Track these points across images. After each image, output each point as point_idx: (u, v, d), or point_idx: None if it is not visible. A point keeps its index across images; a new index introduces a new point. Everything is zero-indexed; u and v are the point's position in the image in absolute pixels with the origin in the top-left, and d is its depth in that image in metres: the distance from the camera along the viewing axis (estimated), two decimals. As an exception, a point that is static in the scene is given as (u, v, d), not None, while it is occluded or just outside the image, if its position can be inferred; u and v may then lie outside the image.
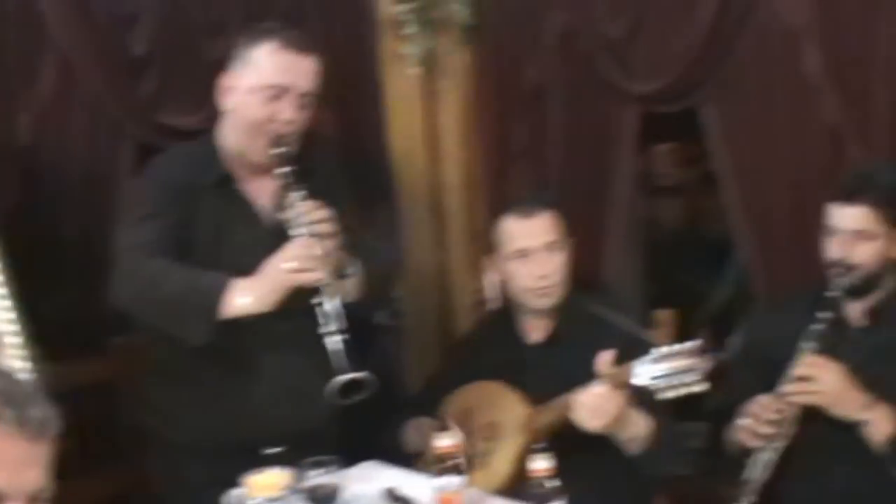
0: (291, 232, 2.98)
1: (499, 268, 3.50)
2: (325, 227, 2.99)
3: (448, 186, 4.30)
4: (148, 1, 3.82)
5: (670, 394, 2.86)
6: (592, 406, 3.00)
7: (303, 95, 3.12)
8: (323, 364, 2.92)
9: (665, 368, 2.86)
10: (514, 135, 4.12)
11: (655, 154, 6.62)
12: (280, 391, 3.17)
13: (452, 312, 4.38)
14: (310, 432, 3.12)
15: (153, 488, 3.35)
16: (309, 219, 2.97)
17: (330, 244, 2.99)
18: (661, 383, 2.85)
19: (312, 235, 2.95)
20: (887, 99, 3.40)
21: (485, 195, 4.27)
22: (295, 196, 3.00)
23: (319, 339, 2.93)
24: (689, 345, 2.86)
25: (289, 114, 3.08)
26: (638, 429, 3.12)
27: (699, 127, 3.79)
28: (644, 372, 2.89)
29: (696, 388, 2.82)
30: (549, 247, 3.38)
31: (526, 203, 3.46)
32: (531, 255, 3.37)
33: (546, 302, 3.40)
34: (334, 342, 2.90)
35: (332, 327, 2.91)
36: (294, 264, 2.91)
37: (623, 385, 2.98)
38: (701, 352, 2.80)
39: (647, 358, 2.91)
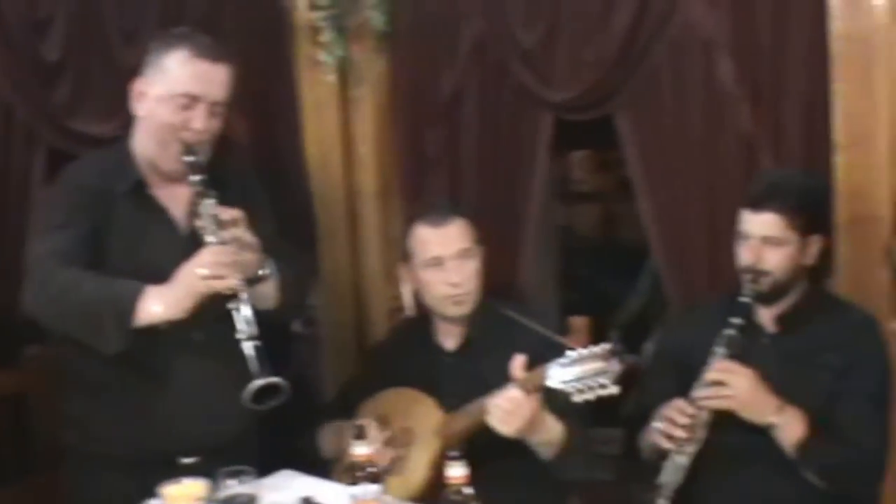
0: (205, 239, 2.95)
1: (413, 276, 3.51)
2: (238, 234, 2.97)
3: (363, 194, 4.30)
4: (61, 6, 3.76)
5: (583, 397, 2.87)
6: (506, 410, 3.00)
7: (214, 104, 3.09)
8: (238, 372, 2.89)
9: (577, 372, 2.88)
10: (429, 142, 4.12)
11: (571, 161, 6.68)
12: (195, 400, 3.14)
13: (368, 320, 4.37)
14: (226, 442, 3.10)
15: (68, 501, 3.30)
16: (221, 225, 2.94)
17: (243, 251, 2.97)
18: (574, 386, 2.86)
19: (225, 242, 2.93)
20: (798, 108, 3.45)
21: (400, 203, 4.27)
22: (207, 203, 2.97)
23: (234, 347, 2.90)
24: (600, 348, 2.87)
25: (200, 122, 3.06)
26: (552, 433, 3.13)
27: (616, 134, 3.81)
28: (557, 375, 2.90)
29: (609, 391, 2.83)
30: (462, 254, 3.39)
31: (438, 211, 3.47)
32: (444, 263, 3.38)
33: (460, 310, 3.42)
34: (248, 347, 2.88)
35: (247, 333, 2.89)
36: (207, 271, 2.88)
37: (537, 389, 2.99)
38: (612, 355, 2.81)
39: (560, 361, 2.92)
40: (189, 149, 3.04)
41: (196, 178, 3.01)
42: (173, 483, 2.73)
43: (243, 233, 2.98)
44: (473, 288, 3.41)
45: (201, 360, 3.14)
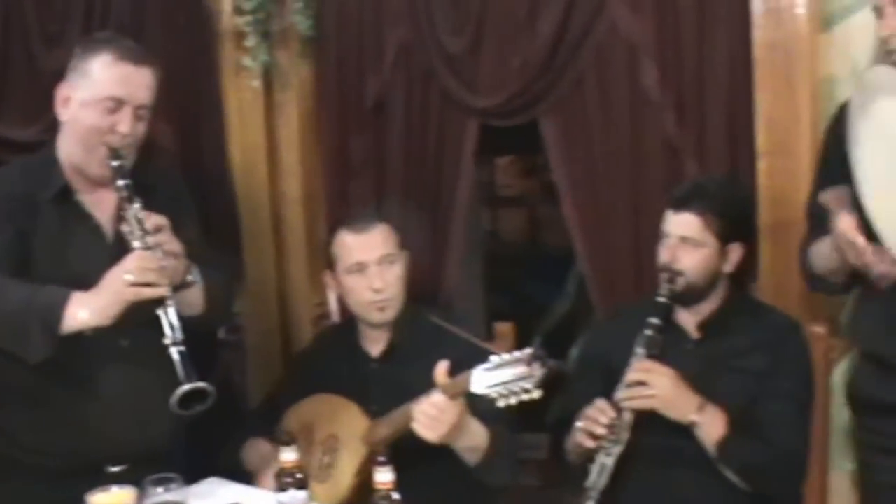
0: (131, 245, 2.92)
1: (337, 282, 3.50)
2: (164, 240, 2.94)
3: (288, 199, 4.27)
4: (-18, 11, 3.72)
5: (506, 401, 2.87)
6: (431, 416, 3.00)
7: (139, 107, 3.07)
8: (166, 379, 2.86)
9: (501, 377, 2.87)
10: (354, 148, 4.11)
11: (497, 166, 6.70)
12: (123, 408, 3.10)
13: (293, 326, 4.34)
14: (154, 449, 3.07)
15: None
16: (146, 231, 2.91)
17: (169, 256, 2.94)
18: (498, 391, 2.86)
19: (151, 247, 2.90)
20: (722, 114, 3.49)
21: (325, 208, 4.25)
22: (133, 208, 2.94)
23: (161, 354, 2.87)
24: (522, 353, 2.88)
25: (126, 126, 3.02)
26: (476, 439, 3.13)
27: (541, 138, 3.83)
28: (480, 380, 2.90)
29: (532, 396, 2.83)
30: (385, 260, 3.40)
31: (361, 217, 3.49)
32: (367, 269, 3.39)
33: (383, 316, 3.42)
34: (175, 353, 2.85)
35: (172, 339, 2.86)
36: (133, 277, 2.85)
37: (461, 394, 2.99)
38: (535, 359, 2.82)
39: (484, 367, 2.91)
40: (115, 153, 3.01)
41: (121, 182, 2.98)
42: (101, 491, 2.70)
43: (169, 238, 2.96)
44: (396, 294, 3.42)
45: (128, 367, 3.10)
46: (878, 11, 2.80)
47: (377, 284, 3.37)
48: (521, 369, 2.83)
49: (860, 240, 2.73)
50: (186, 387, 2.81)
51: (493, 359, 2.90)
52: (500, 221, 6.75)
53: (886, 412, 2.98)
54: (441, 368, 3.03)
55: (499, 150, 6.37)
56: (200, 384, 2.83)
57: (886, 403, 2.97)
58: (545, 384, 2.84)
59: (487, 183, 6.85)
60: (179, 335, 2.87)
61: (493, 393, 2.86)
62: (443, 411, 2.99)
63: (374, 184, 4.13)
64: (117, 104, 3.02)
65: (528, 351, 2.85)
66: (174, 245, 2.98)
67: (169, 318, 2.87)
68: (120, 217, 3.01)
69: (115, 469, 2.77)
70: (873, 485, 3.13)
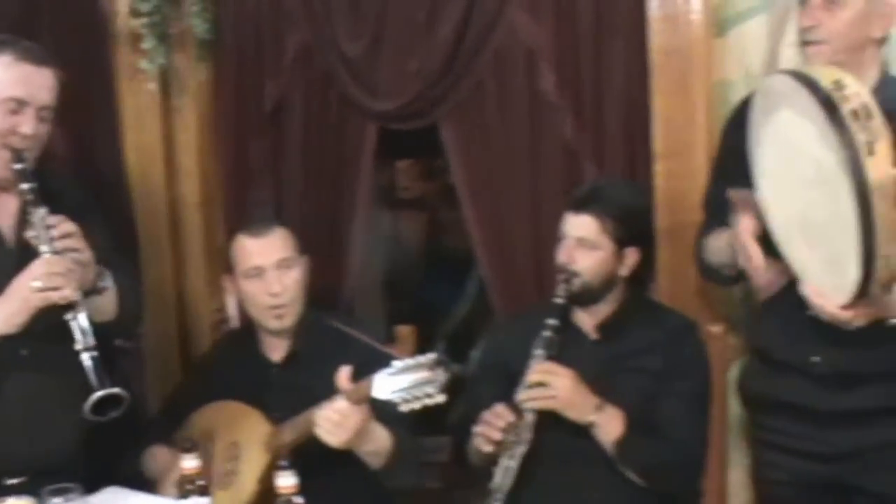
0: (38, 250, 2.87)
1: (236, 286, 3.49)
2: (72, 244, 2.90)
3: (186, 204, 4.22)
4: None
5: (410, 406, 2.87)
6: (334, 422, 3.00)
7: (41, 109, 3.02)
8: (66, 389, 2.85)
9: (404, 381, 2.88)
10: (253, 152, 4.09)
11: (397, 169, 6.69)
12: (21, 419, 3.04)
13: (192, 332, 4.30)
14: (53, 461, 3.02)
15: None
16: (54, 235, 2.87)
17: (77, 261, 2.90)
18: (401, 396, 2.87)
19: (59, 252, 2.86)
20: (619, 118, 3.54)
21: (224, 213, 4.23)
22: (39, 213, 2.89)
23: (62, 363, 2.83)
24: (425, 357, 2.89)
25: (28, 127, 2.98)
26: (380, 444, 3.14)
27: (440, 141, 3.85)
28: (383, 385, 2.91)
29: (435, 400, 2.85)
30: (282, 264, 3.40)
31: (259, 221, 3.49)
32: (264, 273, 3.38)
33: (280, 323, 3.42)
34: (87, 359, 2.81)
35: (83, 344, 2.82)
36: (41, 283, 2.81)
37: (364, 400, 2.99)
38: (437, 364, 2.83)
39: (386, 372, 2.92)
40: (17, 156, 2.96)
41: (26, 186, 2.93)
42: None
43: (77, 242, 2.92)
44: (294, 298, 3.42)
45: (28, 376, 3.04)
46: (804, 4, 2.85)
47: (275, 289, 3.36)
48: (424, 374, 2.84)
49: (753, 249, 2.80)
50: (101, 393, 2.77)
51: (396, 364, 2.91)
52: (400, 225, 6.74)
53: (775, 408, 3.04)
54: (344, 374, 3.03)
55: (399, 154, 6.36)
56: (115, 389, 2.79)
57: (775, 401, 3.03)
58: (448, 388, 2.85)
59: (387, 186, 6.86)
60: (91, 340, 2.83)
61: (396, 398, 2.87)
62: (346, 417, 2.99)
63: (273, 188, 4.11)
64: (19, 105, 2.96)
65: (431, 356, 2.86)
66: (84, 251, 2.94)
67: (79, 323, 2.84)
68: (24, 222, 2.96)
69: (13, 481, 2.76)
70: (766, 481, 3.19)
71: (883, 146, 2.42)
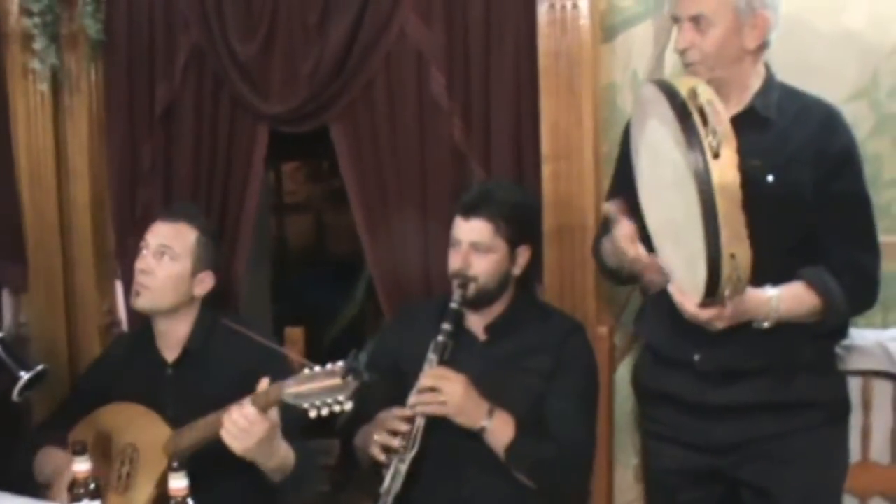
0: None
1: None
2: None
3: (76, 205, 4.18)
4: None
5: (319, 412, 2.85)
6: (240, 427, 2.97)
7: None
8: None
9: (314, 388, 2.86)
10: (143, 153, 4.06)
11: (284, 171, 6.69)
12: None
13: (81, 335, 4.25)
14: None
15: None
16: None
17: None
18: (310, 402, 2.85)
19: None
20: (508, 121, 3.58)
21: (113, 214, 4.19)
22: None
23: None
24: (336, 365, 2.86)
25: None
26: (284, 460, 3.12)
27: (328, 144, 3.86)
28: (294, 391, 2.89)
29: (344, 408, 2.84)
30: (158, 249, 3.41)
31: (179, 207, 3.60)
32: (143, 251, 3.43)
33: (134, 301, 3.44)
34: None
35: None
36: None
37: (272, 405, 2.98)
38: (349, 371, 2.82)
39: (297, 378, 2.90)
40: None
41: None
42: None
43: None
44: (155, 284, 3.40)
45: None
46: (678, 24, 2.91)
47: (139, 265, 3.41)
48: (335, 381, 2.82)
49: (631, 250, 2.89)
50: (28, 375, 2.80)
51: (307, 371, 2.89)
52: (286, 227, 6.74)
53: (662, 401, 3.12)
54: (263, 383, 3.01)
55: (284, 156, 6.37)
56: (39, 367, 2.85)
57: (662, 393, 3.11)
58: (356, 396, 2.85)
59: (274, 189, 6.84)
60: None
61: (304, 404, 2.86)
62: (252, 423, 2.96)
63: (163, 190, 4.09)
64: None
65: (341, 363, 2.85)
66: None
67: None
68: None
69: None
70: (654, 470, 3.27)
71: (728, 151, 2.51)
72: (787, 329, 2.83)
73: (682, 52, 2.91)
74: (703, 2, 2.84)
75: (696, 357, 2.97)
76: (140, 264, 3.40)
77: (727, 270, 2.55)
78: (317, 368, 2.89)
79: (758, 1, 2.83)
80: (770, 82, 2.94)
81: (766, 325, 2.81)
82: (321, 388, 2.85)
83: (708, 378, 2.98)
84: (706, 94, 2.58)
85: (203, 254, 3.45)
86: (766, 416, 2.97)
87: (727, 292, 2.60)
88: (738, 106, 2.89)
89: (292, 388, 2.89)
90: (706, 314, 2.72)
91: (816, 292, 2.82)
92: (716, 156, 2.50)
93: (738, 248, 2.54)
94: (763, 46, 2.90)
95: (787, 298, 2.80)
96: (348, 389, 2.82)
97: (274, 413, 2.99)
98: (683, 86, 2.61)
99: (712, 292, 2.61)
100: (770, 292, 2.78)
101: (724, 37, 2.84)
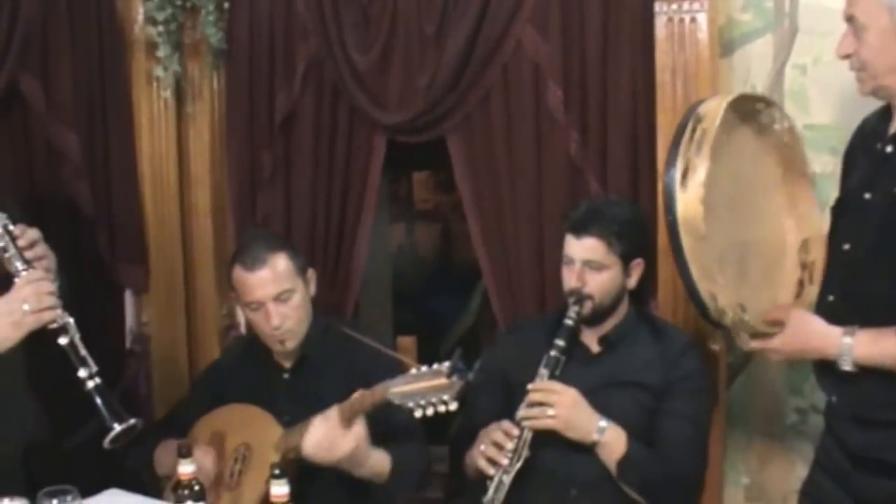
0: (11, 266, 2.75)
1: (241, 307, 3.50)
2: (41, 251, 2.81)
3: (198, 211, 4.26)
4: None
5: (424, 412, 2.86)
6: (323, 446, 3.03)
7: None
8: (13, 404, 2.84)
9: (419, 387, 2.87)
10: (263, 160, 4.11)
11: (413, 180, 6.72)
12: None
13: (200, 338, 4.33)
14: (6, 472, 2.97)
15: None
16: (23, 246, 2.77)
17: (47, 269, 2.80)
18: (416, 401, 2.86)
19: (35, 267, 2.75)
20: (624, 136, 3.55)
21: (233, 220, 4.24)
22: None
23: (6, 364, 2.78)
24: (442, 364, 2.87)
25: None
26: (376, 469, 3.15)
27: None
28: (398, 391, 2.90)
29: (449, 408, 2.84)
30: (280, 297, 3.32)
31: (252, 252, 3.35)
32: (263, 307, 3.32)
33: (283, 348, 3.39)
34: (94, 388, 2.71)
35: (89, 372, 2.71)
36: (31, 305, 2.68)
37: (358, 415, 3.01)
38: (454, 371, 2.82)
39: (403, 377, 2.92)
40: None
41: None
42: None
43: (44, 248, 2.83)
44: (296, 324, 3.36)
45: None
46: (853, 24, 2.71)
47: (275, 322, 3.30)
48: (440, 381, 2.83)
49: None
50: (119, 428, 2.69)
51: (413, 370, 2.91)
52: (415, 235, 6.77)
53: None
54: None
55: (417, 165, 6.39)
56: (132, 421, 2.71)
57: None
58: (462, 396, 2.86)
59: (405, 197, 6.89)
60: (93, 366, 2.71)
61: (410, 403, 2.86)
62: (335, 436, 3.01)
63: (283, 197, 4.13)
64: None
65: (446, 363, 2.85)
66: (50, 256, 2.85)
67: (77, 348, 2.72)
68: None
69: None
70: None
71: (695, 182, 2.46)
72: None
73: (847, 60, 2.75)
74: (855, 3, 2.67)
75: (833, 398, 2.89)
76: (273, 322, 3.30)
77: (714, 311, 2.53)
78: (423, 368, 2.90)
79: None
80: None
81: (846, 367, 2.67)
82: (427, 387, 2.86)
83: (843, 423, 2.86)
84: (710, 115, 2.56)
85: (296, 260, 3.39)
86: None
87: (740, 333, 2.56)
88: None
89: (398, 388, 2.91)
90: (752, 345, 2.66)
91: None
92: (682, 186, 2.45)
93: (708, 285, 2.49)
94: None
95: (865, 340, 2.65)
96: (453, 389, 2.82)
97: (359, 426, 3.02)
98: (705, 105, 2.62)
99: (717, 326, 2.65)
100: (839, 330, 2.67)
101: (881, 41, 2.63)
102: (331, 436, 3.02)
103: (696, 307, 2.69)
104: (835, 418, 2.90)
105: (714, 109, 2.63)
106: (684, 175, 2.52)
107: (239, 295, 3.41)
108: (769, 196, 3.02)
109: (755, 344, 2.73)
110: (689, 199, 2.47)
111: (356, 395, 3.03)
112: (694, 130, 2.55)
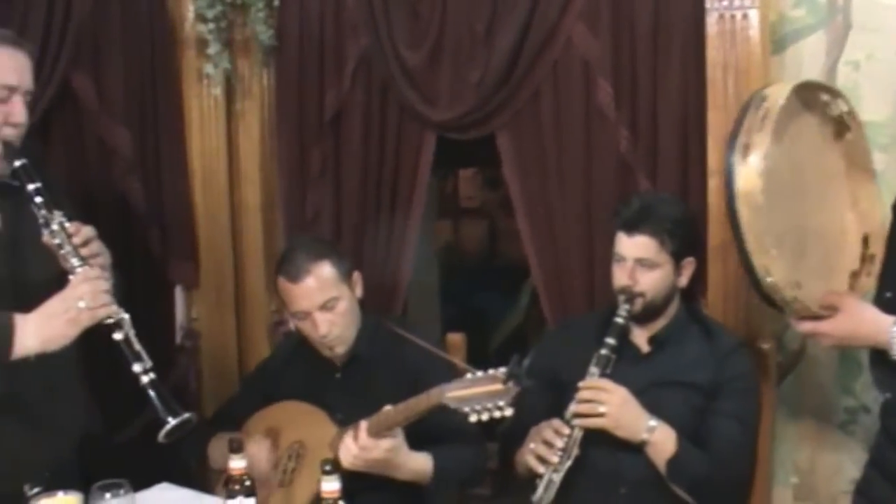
0: (67, 263, 2.74)
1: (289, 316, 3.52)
2: (96, 248, 2.80)
3: (247, 207, 4.29)
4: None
5: (479, 417, 2.83)
6: (354, 454, 3.04)
7: (26, 93, 2.86)
8: (67, 389, 2.85)
9: (474, 393, 2.84)
10: (312, 157, 4.12)
11: (460, 177, 6.73)
12: (32, 425, 2.94)
13: (249, 333, 4.36)
14: (61, 465, 2.96)
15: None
16: (78, 243, 2.76)
17: (102, 266, 2.80)
18: (471, 406, 2.82)
19: (89, 264, 2.74)
20: (674, 133, 3.53)
21: (283, 217, 4.26)
22: (56, 220, 2.76)
23: (64, 363, 2.80)
24: (498, 371, 2.83)
25: (21, 115, 2.82)
26: (415, 473, 3.17)
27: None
28: (453, 395, 2.88)
29: (504, 413, 2.81)
30: (325, 305, 3.31)
31: (295, 263, 3.35)
32: (310, 317, 3.32)
33: (332, 353, 3.40)
34: (149, 383, 2.69)
35: (144, 367, 2.69)
36: (87, 303, 2.67)
37: (391, 429, 3.02)
38: (510, 377, 2.80)
39: (459, 382, 2.89)
40: (13, 151, 2.79)
41: (32, 187, 2.76)
42: (46, 497, 2.62)
43: (98, 246, 2.82)
44: (343, 329, 3.36)
45: (35, 380, 2.86)
46: None
47: (322, 331, 3.31)
48: (496, 386, 2.80)
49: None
50: (174, 422, 2.67)
51: (469, 375, 2.88)
52: (461, 233, 6.77)
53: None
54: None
55: (463, 163, 6.39)
56: (186, 415, 2.69)
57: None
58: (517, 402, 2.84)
59: (451, 194, 6.90)
60: (148, 361, 2.70)
61: (465, 408, 2.84)
62: (363, 449, 3.03)
63: (332, 194, 4.14)
64: (10, 92, 2.81)
65: (503, 369, 2.83)
66: (105, 253, 2.86)
67: (131, 342, 2.71)
68: (43, 226, 2.78)
69: (33, 491, 2.70)
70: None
71: (756, 157, 2.43)
72: None
73: None
74: None
75: (889, 395, 2.87)
76: (321, 332, 3.31)
77: (770, 286, 2.50)
78: (479, 373, 2.87)
79: None
80: None
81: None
82: (483, 392, 2.82)
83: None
84: (772, 97, 2.58)
85: (340, 266, 3.37)
86: None
87: (786, 311, 2.55)
88: None
89: (454, 392, 2.88)
90: (804, 326, 2.65)
91: None
92: (744, 158, 2.45)
93: (763, 259, 2.48)
94: None
95: None
96: (509, 395, 2.79)
97: (388, 439, 3.04)
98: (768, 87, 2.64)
99: (770, 304, 2.63)
100: (891, 318, 2.67)
101: None
102: (360, 446, 3.03)
103: (750, 280, 2.67)
104: (890, 417, 2.88)
105: (779, 91, 2.63)
106: (746, 149, 2.52)
107: (286, 304, 3.42)
108: (832, 188, 3.04)
109: (806, 325, 2.72)
110: (748, 172, 2.48)
111: (385, 410, 3.04)
112: (758, 109, 2.55)
